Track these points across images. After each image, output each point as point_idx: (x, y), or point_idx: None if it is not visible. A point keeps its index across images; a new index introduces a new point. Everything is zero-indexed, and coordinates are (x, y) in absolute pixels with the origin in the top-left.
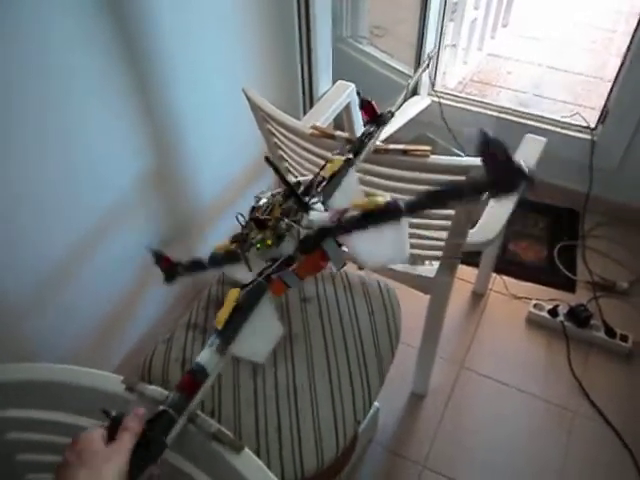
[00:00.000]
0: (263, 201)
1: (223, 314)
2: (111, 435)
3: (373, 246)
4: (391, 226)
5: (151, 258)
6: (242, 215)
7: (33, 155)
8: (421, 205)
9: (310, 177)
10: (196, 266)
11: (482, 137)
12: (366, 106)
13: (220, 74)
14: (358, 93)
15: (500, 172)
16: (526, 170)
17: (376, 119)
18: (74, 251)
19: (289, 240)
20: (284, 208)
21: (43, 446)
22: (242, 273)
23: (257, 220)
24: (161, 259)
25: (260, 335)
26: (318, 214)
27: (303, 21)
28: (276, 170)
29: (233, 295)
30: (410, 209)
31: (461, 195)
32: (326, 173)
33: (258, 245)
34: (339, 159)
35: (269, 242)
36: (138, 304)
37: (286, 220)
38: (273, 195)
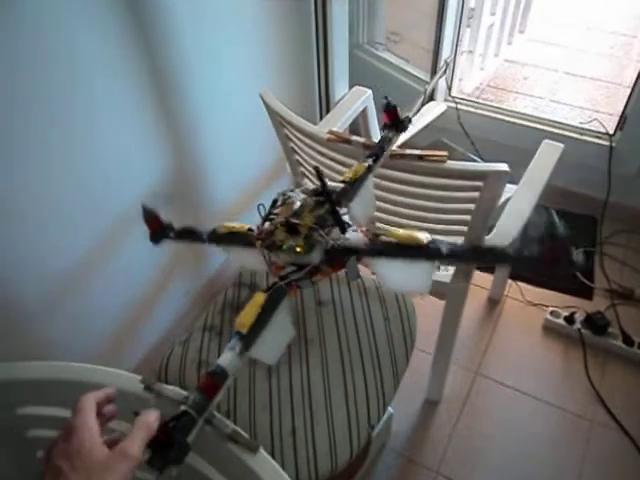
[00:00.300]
0: (297, 205)
1: (248, 318)
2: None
3: (398, 273)
4: (423, 263)
5: (141, 214)
6: (263, 206)
7: (40, 161)
8: (463, 257)
9: (337, 185)
10: (189, 235)
11: (550, 223)
12: (390, 110)
13: (237, 78)
14: (385, 97)
15: (554, 260)
16: (579, 265)
17: (396, 125)
18: (88, 256)
19: (317, 250)
20: (317, 216)
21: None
22: (242, 257)
23: (289, 224)
24: (152, 218)
25: (274, 338)
26: (354, 234)
27: (320, 27)
28: (323, 183)
29: (259, 299)
30: (451, 256)
31: (505, 262)
32: (348, 177)
33: (285, 249)
34: (362, 166)
35: (300, 249)
36: (154, 308)
37: (321, 232)
38: (304, 195)
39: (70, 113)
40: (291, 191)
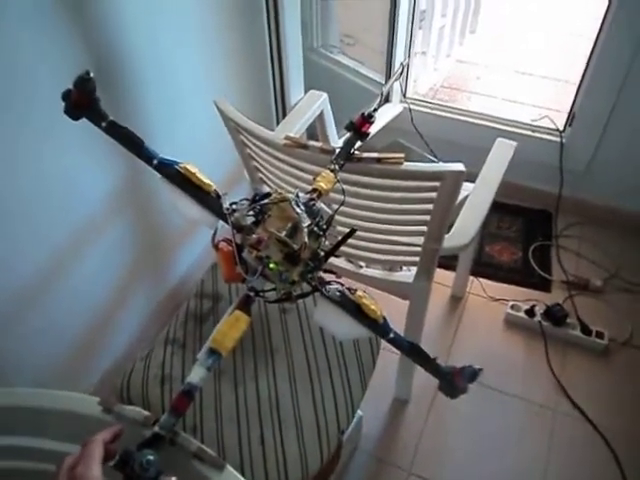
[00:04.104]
0: (305, 226)
1: (231, 342)
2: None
3: (335, 318)
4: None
5: (75, 79)
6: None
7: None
8: (400, 348)
9: (326, 209)
10: (129, 141)
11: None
12: (367, 120)
13: (191, 85)
14: (375, 109)
15: (452, 389)
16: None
17: (361, 132)
18: (47, 269)
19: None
20: (312, 251)
21: (22, 474)
22: (187, 206)
23: (287, 247)
24: (85, 87)
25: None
26: (334, 287)
27: (273, 31)
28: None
29: (242, 325)
30: (390, 340)
31: (429, 369)
32: (321, 186)
33: (274, 270)
34: (330, 175)
35: (294, 279)
36: (114, 323)
37: (315, 275)
38: (298, 208)
39: (11, 126)
40: (286, 193)
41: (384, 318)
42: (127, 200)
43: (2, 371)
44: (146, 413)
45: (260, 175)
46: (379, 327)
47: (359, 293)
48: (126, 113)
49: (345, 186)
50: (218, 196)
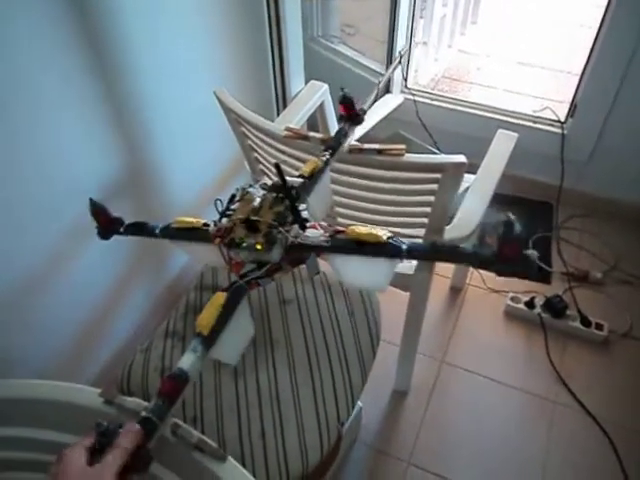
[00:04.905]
0: (257, 201)
1: (209, 319)
2: (101, 451)
3: (357, 270)
4: (383, 260)
5: (88, 208)
6: (221, 201)
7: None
8: (423, 255)
9: (295, 179)
10: (140, 229)
11: (507, 225)
12: (346, 102)
13: (191, 76)
14: (342, 88)
15: (508, 258)
16: (532, 261)
17: (352, 117)
18: (45, 262)
19: (277, 248)
20: (277, 213)
21: (24, 465)
22: (200, 253)
23: (249, 222)
24: (99, 212)
25: (234, 337)
26: (314, 232)
27: (273, 21)
28: (283, 180)
29: (219, 300)
30: (410, 253)
31: (464, 260)
32: (305, 171)
33: (244, 247)
34: (318, 160)
35: (259, 247)
36: (115, 314)
37: (281, 229)
38: (263, 191)
39: (11, 113)
40: (250, 186)
41: (388, 237)
42: (127, 191)
43: (8, 363)
44: (145, 404)
45: (261, 166)
46: (388, 248)
47: (351, 227)
48: (124, 106)
49: (345, 178)
50: (206, 225)
